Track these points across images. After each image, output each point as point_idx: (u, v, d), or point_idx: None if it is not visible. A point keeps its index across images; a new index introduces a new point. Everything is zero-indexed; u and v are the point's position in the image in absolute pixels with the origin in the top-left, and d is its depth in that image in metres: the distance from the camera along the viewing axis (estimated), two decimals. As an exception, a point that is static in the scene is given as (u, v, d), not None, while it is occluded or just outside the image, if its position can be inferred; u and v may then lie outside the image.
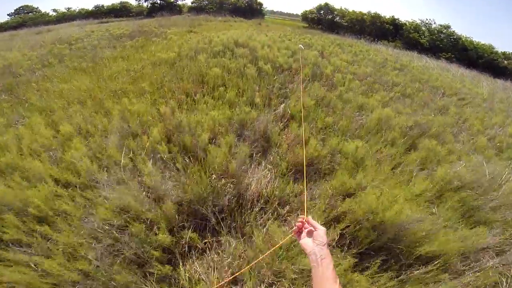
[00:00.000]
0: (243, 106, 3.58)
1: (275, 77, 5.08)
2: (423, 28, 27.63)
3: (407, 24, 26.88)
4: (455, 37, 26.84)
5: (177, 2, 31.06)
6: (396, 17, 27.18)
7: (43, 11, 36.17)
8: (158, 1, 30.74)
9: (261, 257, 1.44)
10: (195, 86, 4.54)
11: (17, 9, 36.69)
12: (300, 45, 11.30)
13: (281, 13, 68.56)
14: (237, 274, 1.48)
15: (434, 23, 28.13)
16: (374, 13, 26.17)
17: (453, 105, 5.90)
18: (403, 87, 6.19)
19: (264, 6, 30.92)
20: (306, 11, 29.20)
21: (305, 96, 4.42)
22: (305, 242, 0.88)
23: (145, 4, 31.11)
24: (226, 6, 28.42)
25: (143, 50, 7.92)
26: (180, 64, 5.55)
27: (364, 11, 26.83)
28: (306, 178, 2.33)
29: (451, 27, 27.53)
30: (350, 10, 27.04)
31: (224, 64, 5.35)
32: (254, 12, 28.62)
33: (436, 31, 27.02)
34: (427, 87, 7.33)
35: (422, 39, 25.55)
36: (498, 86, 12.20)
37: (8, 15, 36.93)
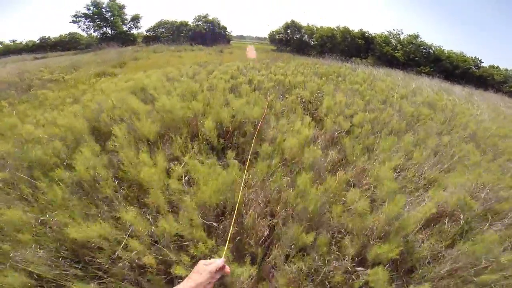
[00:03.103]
0: None
1: None
2: (392, 41, 24.86)
3: (377, 37, 23.87)
4: (425, 47, 24.18)
5: (131, 31, 26.15)
6: (364, 30, 24.20)
7: None
8: (109, 31, 25.67)
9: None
10: None
11: (-39, 41, 30.23)
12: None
13: (250, 38, 65.85)
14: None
15: (402, 33, 25.35)
16: (343, 27, 22.85)
17: None
18: None
19: (229, 30, 26.74)
20: (273, 31, 25.40)
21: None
22: None
23: (95, 34, 25.87)
24: (185, 32, 23.95)
25: None
26: None
27: (333, 26, 23.45)
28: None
29: (420, 37, 24.83)
30: (318, 26, 23.57)
31: None
32: (217, 37, 24.29)
33: (406, 42, 24.18)
34: None
35: (396, 52, 22.49)
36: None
37: (-50, 48, 30.61)
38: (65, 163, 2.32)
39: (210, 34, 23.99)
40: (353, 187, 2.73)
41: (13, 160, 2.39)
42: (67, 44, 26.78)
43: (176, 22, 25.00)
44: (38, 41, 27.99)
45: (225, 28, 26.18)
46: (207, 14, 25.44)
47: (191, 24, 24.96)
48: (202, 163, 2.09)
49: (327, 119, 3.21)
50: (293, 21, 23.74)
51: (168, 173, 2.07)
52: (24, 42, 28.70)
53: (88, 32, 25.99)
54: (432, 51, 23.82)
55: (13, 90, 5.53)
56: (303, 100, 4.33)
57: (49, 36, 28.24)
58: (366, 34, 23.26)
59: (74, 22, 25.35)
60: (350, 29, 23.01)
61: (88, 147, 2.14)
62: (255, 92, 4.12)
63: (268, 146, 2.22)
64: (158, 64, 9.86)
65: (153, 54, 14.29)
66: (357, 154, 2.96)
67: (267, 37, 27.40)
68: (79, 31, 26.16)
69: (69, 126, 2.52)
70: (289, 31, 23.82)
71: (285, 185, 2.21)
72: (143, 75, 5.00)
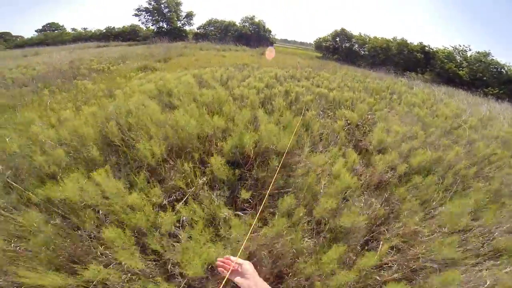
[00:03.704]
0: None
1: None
2: (457, 57, 21.78)
3: (439, 52, 21.12)
4: (496, 66, 20.63)
5: (184, 28, 27.40)
6: (424, 43, 21.64)
7: (68, 30, 34.76)
8: (165, 26, 27.25)
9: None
10: None
11: (44, 25, 35.58)
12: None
13: (294, 42, 64.69)
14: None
15: (470, 50, 22.01)
16: (400, 39, 20.73)
17: None
18: None
19: (273, 33, 26.40)
20: (320, 38, 24.27)
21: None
22: (237, 280, 0.79)
23: (152, 27, 27.76)
24: (231, 32, 24.22)
25: None
26: None
27: (388, 37, 21.44)
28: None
29: (492, 55, 21.30)
30: (371, 36, 21.78)
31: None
32: (261, 39, 24.07)
33: (473, 60, 20.92)
34: None
35: (460, 70, 19.62)
36: None
37: (36, 31, 36.01)
38: (61, 175, 2.03)
39: (255, 36, 23.88)
40: (397, 252, 2.02)
41: (19, 162, 2.19)
42: (128, 35, 29.32)
43: (224, 21, 25.44)
44: (104, 31, 31.22)
45: (269, 31, 25.89)
46: (253, 16, 25.45)
47: (238, 25, 25.17)
48: (206, 205, 1.60)
49: (377, 158, 2.47)
50: (343, 29, 22.35)
51: (162, 207, 1.62)
52: (93, 31, 32.42)
53: (146, 26, 27.93)
54: (504, 71, 20.30)
55: (61, 78, 5.78)
56: (348, 122, 3.59)
57: (114, 27, 31.17)
58: (427, 48, 20.79)
59: (136, 15, 27.43)
60: (408, 42, 20.79)
61: (83, 164, 1.81)
62: (291, 109, 3.52)
63: (293, 199, 1.62)
64: (201, 61, 9.82)
65: (199, 52, 14.50)
66: (410, 210, 2.20)
67: (312, 43, 26.39)
68: (140, 24, 28.29)
69: (77, 132, 2.25)
70: (337, 39, 22.49)
71: (305, 250, 1.60)
72: (175, 75, 4.75)
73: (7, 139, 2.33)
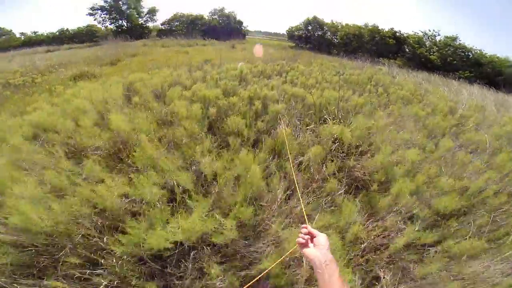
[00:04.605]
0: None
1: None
2: (427, 42, 21.81)
3: (410, 37, 20.95)
4: (463, 50, 20.92)
5: (147, 25, 24.97)
6: (395, 29, 21.37)
7: (17, 35, 30.81)
8: (125, 24, 24.69)
9: (268, 268, 1.05)
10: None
11: (-11, 31, 31.13)
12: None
13: (268, 33, 62.96)
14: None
15: (438, 34, 22.10)
16: (372, 26, 20.26)
17: None
18: None
19: (245, 24, 24.82)
20: (292, 27, 23.14)
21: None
22: (307, 250, 0.74)
23: (111, 27, 25.04)
24: (199, 26, 22.37)
25: None
26: None
27: (359, 24, 20.91)
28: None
29: (459, 39, 21.69)
30: (344, 24, 21.09)
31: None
32: (232, 32, 22.45)
33: (443, 45, 21.03)
34: None
35: (431, 55, 19.56)
36: None
37: (-20, 38, 31.72)
38: None
39: (225, 29, 22.22)
40: None
41: None
42: (84, 36, 26.24)
43: (191, 15, 23.45)
44: (57, 33, 27.84)
45: (240, 23, 24.28)
46: (223, 8, 23.70)
47: (207, 18, 23.32)
48: None
49: (384, 204, 1.45)
50: (315, 17, 21.39)
51: None
52: (45, 34, 28.80)
53: (104, 25, 25.17)
54: (471, 55, 20.75)
55: None
56: (335, 139, 2.54)
57: (67, 28, 27.91)
58: (398, 34, 20.59)
59: (90, 14, 24.65)
60: (380, 28, 20.40)
61: None
62: (256, 126, 2.39)
63: None
64: (157, 61, 8.30)
65: (159, 49, 12.82)
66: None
67: (285, 33, 25.30)
68: (96, 23, 25.40)
69: None
70: (310, 28, 21.54)
71: None
72: (104, 86, 3.42)
73: None
